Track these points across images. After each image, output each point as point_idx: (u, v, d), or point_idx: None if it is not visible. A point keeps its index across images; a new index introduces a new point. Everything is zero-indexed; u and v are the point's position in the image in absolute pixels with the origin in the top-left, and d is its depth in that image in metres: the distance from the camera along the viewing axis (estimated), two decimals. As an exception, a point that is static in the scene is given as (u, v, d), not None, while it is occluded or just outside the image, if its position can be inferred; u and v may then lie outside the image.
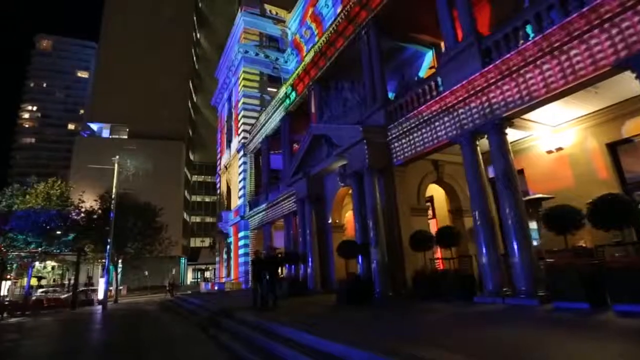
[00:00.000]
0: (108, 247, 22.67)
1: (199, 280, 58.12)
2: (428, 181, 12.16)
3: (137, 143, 53.82)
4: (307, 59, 18.30)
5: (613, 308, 5.73)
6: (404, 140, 10.99)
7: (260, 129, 24.30)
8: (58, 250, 23.98)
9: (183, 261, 59.01)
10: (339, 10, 23.83)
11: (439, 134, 9.71)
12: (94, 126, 59.41)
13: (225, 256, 31.38)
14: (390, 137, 11.31)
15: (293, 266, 15.52)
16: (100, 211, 28.22)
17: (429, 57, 15.58)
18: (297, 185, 15.95)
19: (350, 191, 15.21)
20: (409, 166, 11.62)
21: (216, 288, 25.74)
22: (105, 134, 58.71)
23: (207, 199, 68.59)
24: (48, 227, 21.57)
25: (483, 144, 8.92)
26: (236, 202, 28.75)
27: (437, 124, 9.77)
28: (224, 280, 28.90)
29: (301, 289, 14.19)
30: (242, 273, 25.48)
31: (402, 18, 13.49)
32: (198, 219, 67.30)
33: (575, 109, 9.34)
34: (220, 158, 35.39)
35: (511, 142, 10.34)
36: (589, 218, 6.22)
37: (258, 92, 29.40)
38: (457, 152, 12.10)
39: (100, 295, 27.93)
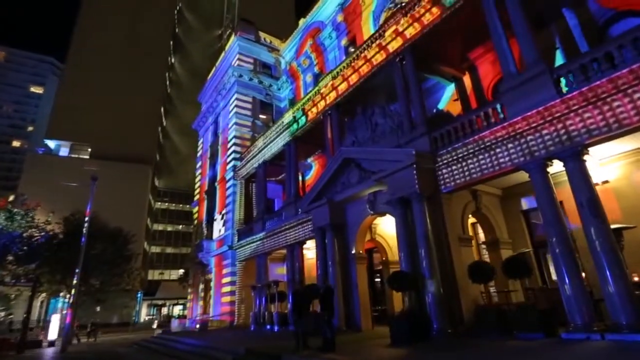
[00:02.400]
0: (75, 277, 19.75)
1: (154, 317, 52.93)
2: (468, 211, 11.84)
3: (100, 164, 49.84)
4: (322, 84, 18.05)
5: None
6: (454, 167, 10.68)
7: (257, 154, 23.26)
8: (13, 280, 20.48)
9: (139, 296, 53.67)
10: (343, 42, 24.40)
11: (501, 160, 9.49)
12: (52, 143, 54.56)
13: (202, 290, 28.70)
14: (439, 163, 10.97)
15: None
16: (61, 236, 24.95)
17: (450, 90, 15.90)
18: (317, 212, 15.00)
19: (375, 220, 14.66)
20: (453, 195, 11.27)
21: (197, 326, 23.12)
22: (64, 152, 53.96)
23: (169, 228, 64.23)
24: (8, 251, 18.40)
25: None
26: (221, 230, 26.84)
27: (498, 150, 9.58)
28: (203, 316, 26.15)
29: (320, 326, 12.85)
30: (227, 309, 23.20)
31: (430, 50, 13.76)
32: (158, 250, 62.38)
33: (622, 144, 9.59)
34: (201, 184, 33.41)
35: (552, 174, 10.42)
36: None
37: (250, 118, 28.57)
38: (494, 184, 12.17)
39: (52, 334, 24.16)
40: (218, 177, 29.00)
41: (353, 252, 14.06)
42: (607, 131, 7.68)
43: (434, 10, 12.28)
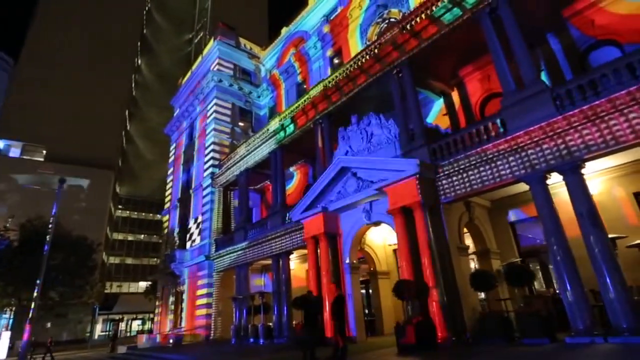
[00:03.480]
0: (37, 289, 18.04)
1: (110, 333, 49.33)
2: (463, 222, 12.22)
3: (57, 168, 46.37)
4: (314, 92, 18.09)
5: None
6: (454, 178, 11.03)
7: (239, 162, 22.74)
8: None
9: (95, 310, 49.89)
10: (328, 52, 24.68)
11: (502, 172, 9.94)
12: (0, 143, 50.12)
13: (172, 303, 27.25)
14: (439, 174, 11.28)
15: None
16: (16, 244, 22.77)
17: (439, 105, 16.51)
18: (310, 220, 14.82)
19: (369, 229, 14.72)
20: (452, 206, 11.61)
21: (170, 341, 21.79)
22: (15, 153, 49.69)
23: (130, 238, 60.75)
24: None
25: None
26: (196, 240, 25.77)
27: (499, 162, 10.03)
28: (175, 330, 24.73)
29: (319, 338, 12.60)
30: (202, 322, 22.15)
31: (424, 64, 14.25)
32: (117, 260, 58.66)
33: (604, 161, 10.39)
34: (173, 191, 32.01)
35: None
36: None
37: (229, 124, 27.97)
38: (485, 196, 12.68)
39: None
40: (193, 184, 27.96)
41: (347, 261, 14.00)
42: (605, 147, 8.30)
43: (432, 26, 12.78)
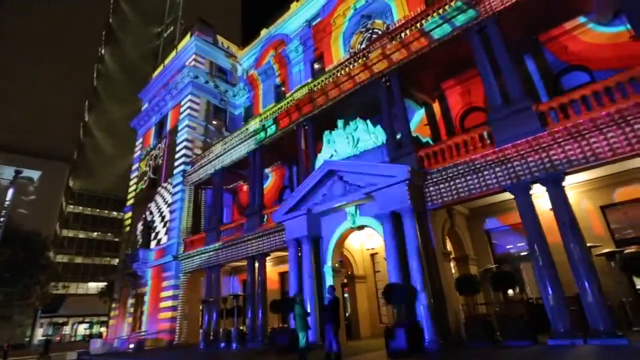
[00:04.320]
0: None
1: (50, 337, 45.48)
2: (446, 228, 12.63)
3: (4, 157, 42.45)
4: (299, 95, 18.05)
5: None
6: (442, 186, 11.40)
7: (214, 160, 22.09)
8: None
9: (37, 312, 45.89)
10: (309, 57, 24.74)
11: (489, 182, 10.42)
12: None
13: (131, 305, 25.68)
14: (427, 181, 11.61)
15: (292, 315, 13.53)
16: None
17: (420, 114, 17.03)
18: (292, 222, 14.64)
19: (352, 233, 14.77)
20: (437, 212, 11.97)
21: (130, 346, 20.40)
22: (-48, 139, 44.86)
23: (81, 235, 56.67)
24: None
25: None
26: (162, 239, 24.58)
27: (485, 172, 10.51)
28: (134, 334, 23.25)
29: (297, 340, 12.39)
30: (166, 326, 21.05)
31: (409, 75, 14.68)
32: (65, 259, 54.37)
33: (576, 176, 11.23)
34: (137, 187, 30.37)
35: (512, 199, 11.74)
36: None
37: (203, 122, 27.14)
38: (465, 204, 13.20)
39: None
40: (162, 181, 26.72)
41: (329, 264, 13.94)
42: (585, 162, 8.96)
43: (422, 40, 13.22)
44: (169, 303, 21.55)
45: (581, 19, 12.85)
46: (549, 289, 8.81)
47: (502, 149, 10.04)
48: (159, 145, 28.99)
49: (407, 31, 13.81)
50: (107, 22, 68.46)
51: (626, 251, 8.76)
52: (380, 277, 17.18)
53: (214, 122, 28.12)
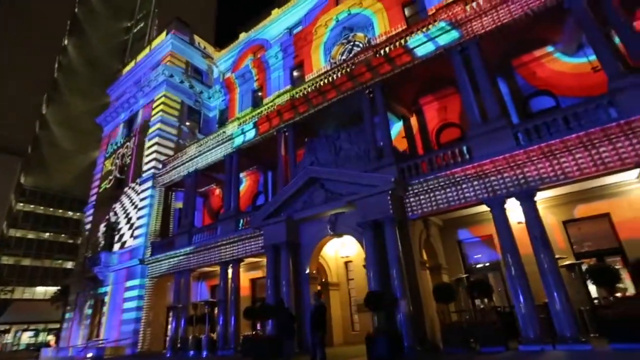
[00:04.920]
0: None
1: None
2: (422, 238, 13.06)
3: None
4: (280, 101, 18.06)
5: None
6: (422, 197, 11.83)
7: (187, 162, 21.54)
8: None
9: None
10: (289, 64, 24.87)
11: (467, 195, 10.96)
12: None
13: (88, 311, 24.16)
14: (408, 192, 12.00)
15: (270, 322, 13.31)
16: None
17: (398, 127, 17.57)
18: (271, 228, 14.53)
19: (330, 240, 14.88)
20: (415, 222, 12.38)
21: (89, 355, 19.10)
22: None
23: (30, 236, 52.59)
24: None
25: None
26: (127, 242, 23.45)
27: (464, 186, 11.05)
28: (92, 342, 21.82)
29: (278, 349, 12.26)
30: (129, 333, 20.00)
31: (391, 88, 15.17)
32: (11, 261, 50.10)
33: (542, 192, 12.08)
34: (100, 187, 28.81)
35: (484, 211, 12.46)
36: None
37: (177, 122, 26.39)
38: (440, 216, 13.75)
39: None
40: (129, 181, 25.58)
41: (307, 272, 13.97)
42: (556, 180, 9.69)
43: (407, 55, 13.77)
44: (133, 309, 20.51)
45: (549, 48, 13.94)
46: (521, 297, 9.37)
47: (480, 164, 10.62)
48: (128, 143, 27.79)
49: (392, 46, 14.28)
50: (72, 12, 65.01)
51: (591, 264, 9.53)
52: (353, 284, 17.39)
53: (188, 123, 27.41)
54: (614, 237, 11.61)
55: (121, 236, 24.14)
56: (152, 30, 54.11)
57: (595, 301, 11.00)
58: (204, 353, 15.42)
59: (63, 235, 53.86)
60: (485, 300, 10.78)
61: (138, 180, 24.49)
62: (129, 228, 23.65)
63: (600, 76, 12.09)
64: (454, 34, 12.70)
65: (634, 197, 11.24)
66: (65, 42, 63.49)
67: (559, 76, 13.96)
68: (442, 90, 16.02)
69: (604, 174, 9.38)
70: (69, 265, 51.80)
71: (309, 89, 16.64)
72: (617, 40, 11.11)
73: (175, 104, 26.71)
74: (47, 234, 52.81)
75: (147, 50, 31.60)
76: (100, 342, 21.20)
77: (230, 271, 17.12)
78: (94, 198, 28.91)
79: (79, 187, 51.56)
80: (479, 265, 14.06)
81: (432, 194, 11.60)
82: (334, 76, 15.84)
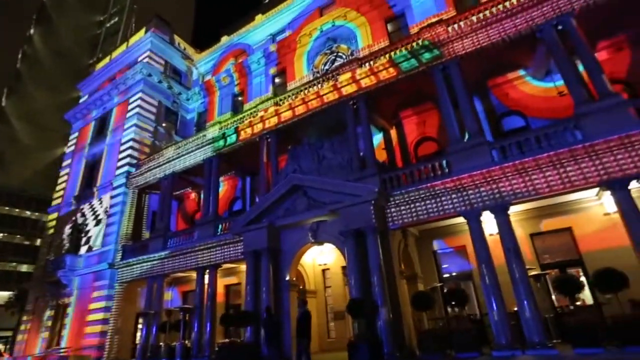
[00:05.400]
0: None
1: None
2: (401, 248, 13.50)
3: None
4: (263, 107, 18.14)
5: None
6: (403, 208, 12.28)
7: (164, 164, 21.07)
8: None
9: None
10: (271, 70, 25.03)
11: (446, 207, 11.50)
12: None
13: (49, 318, 22.85)
14: (390, 202, 12.41)
15: (249, 329, 13.17)
16: None
17: (378, 139, 18.07)
18: (251, 234, 14.49)
19: (311, 248, 15.03)
20: (395, 232, 12.81)
21: (49, 364, 18.05)
22: None
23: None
24: None
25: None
26: (95, 245, 22.48)
27: (444, 198, 11.60)
28: (48, 351, 20.61)
29: (257, 356, 12.23)
30: (95, 341, 19.10)
31: (374, 101, 15.67)
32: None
33: (514, 206, 12.87)
34: (68, 186, 27.45)
35: (458, 223, 13.16)
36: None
37: (153, 122, 25.75)
38: (417, 226, 14.26)
39: None
40: (100, 182, 24.59)
41: (287, 278, 14.03)
42: (527, 195, 10.40)
43: (391, 70, 14.31)
44: (100, 316, 19.63)
45: (521, 72, 14.95)
46: (494, 305, 9.93)
47: (459, 178, 11.21)
48: (100, 142, 26.74)
49: (377, 60, 14.80)
50: (41, 0, 61.89)
51: (555, 274, 10.27)
52: (330, 292, 17.60)
53: (164, 124, 26.82)
54: (575, 249, 12.53)
55: (89, 239, 23.11)
56: (129, 27, 52.50)
57: (558, 309, 11.85)
58: (177, 361, 15.04)
59: (19, 236, 50.55)
60: (457, 308, 11.31)
61: (110, 181, 23.61)
62: (99, 230, 22.69)
63: (565, 100, 13.15)
64: (437, 53, 13.37)
65: (593, 213, 12.22)
66: (32, 31, 60.28)
67: (528, 98, 14.97)
68: (421, 105, 16.70)
69: (570, 191, 10.19)
70: (24, 268, 48.68)
71: (294, 97, 16.86)
72: (581, 67, 12.10)
73: (152, 103, 26.09)
74: (1, 234, 49.37)
75: (123, 47, 30.73)
76: (63, 350, 20.11)
77: (207, 277, 16.85)
78: (58, 198, 27.50)
79: (39, 185, 48.80)
80: (452, 275, 14.65)
81: (412, 205, 12.07)
82: (319, 86, 16.17)
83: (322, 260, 17.74)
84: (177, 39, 30.67)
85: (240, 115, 19.10)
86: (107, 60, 31.89)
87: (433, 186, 11.64)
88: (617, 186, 9.66)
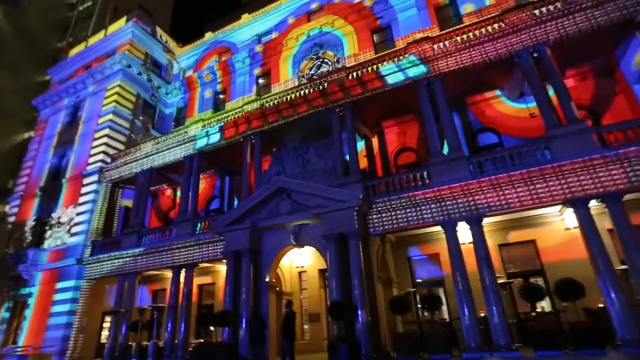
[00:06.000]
0: None
1: None
2: (379, 253, 14.00)
3: None
4: (249, 107, 18.22)
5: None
6: (384, 215, 12.79)
7: (142, 159, 20.59)
8: None
9: None
10: (256, 71, 25.03)
11: (425, 216, 12.11)
12: None
13: (5, 315, 21.60)
14: (372, 209, 12.88)
15: (227, 329, 13.13)
16: None
17: (360, 146, 18.58)
18: (233, 235, 14.52)
19: (291, 250, 15.22)
20: (375, 238, 13.31)
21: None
22: None
23: None
24: None
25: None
26: (61, 239, 21.54)
27: (423, 208, 12.20)
28: (6, 349, 19.49)
29: (233, 356, 12.29)
30: (57, 340, 18.32)
31: (359, 109, 16.15)
32: None
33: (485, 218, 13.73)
34: (31, 175, 26.05)
35: (433, 231, 13.91)
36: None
37: (130, 115, 25.04)
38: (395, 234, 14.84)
39: None
40: (69, 173, 23.60)
41: (267, 279, 14.17)
42: (500, 208, 11.18)
43: (378, 81, 14.84)
44: (64, 313, 18.84)
45: (497, 92, 15.94)
46: (466, 310, 10.60)
47: (439, 189, 11.85)
48: (71, 132, 25.64)
49: (365, 70, 15.33)
50: (8, -23, 58.08)
51: (523, 283, 11.09)
52: (305, 294, 17.87)
53: (141, 118, 26.13)
54: (537, 260, 13.55)
55: (54, 232, 22.11)
56: (106, 14, 50.56)
57: (521, 316, 12.76)
58: (149, 360, 14.76)
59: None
60: (429, 312, 11.94)
61: (82, 173, 22.73)
62: (67, 224, 21.77)
63: (535, 121, 14.20)
64: (422, 68, 14.04)
65: (555, 227, 13.27)
66: (-5, 9, 56.35)
67: (502, 117, 15.98)
68: (403, 116, 17.38)
69: (538, 206, 11.08)
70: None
71: (281, 100, 17.07)
72: (551, 92, 13.09)
73: (130, 96, 25.38)
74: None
75: (101, 35, 29.66)
76: (20, 349, 19.12)
77: (183, 276, 16.65)
78: (21, 188, 26.08)
79: (5, 174, 45.76)
80: (424, 280, 15.33)
81: (393, 213, 12.61)
82: (307, 90, 16.46)
83: (299, 262, 17.98)
84: (159, 31, 30.01)
85: (225, 114, 19.06)
86: (82, 47, 30.63)
87: (414, 195, 12.23)
88: (579, 204, 10.61)
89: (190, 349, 15.00)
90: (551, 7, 12.70)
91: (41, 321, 19.62)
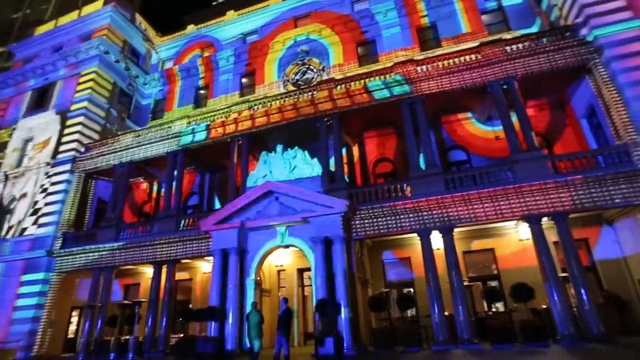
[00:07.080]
0: None
1: None
2: (358, 256, 15.22)
3: None
4: (236, 108, 18.73)
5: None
6: (366, 221, 14.00)
7: (122, 151, 20.36)
8: None
9: None
10: (240, 70, 25.33)
11: (404, 224, 13.47)
12: None
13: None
14: (356, 215, 14.05)
15: (215, 324, 13.66)
16: None
17: (342, 153, 19.71)
18: (221, 233, 15.07)
19: (276, 250, 16.02)
20: (357, 242, 14.51)
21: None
22: None
23: None
24: None
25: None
26: (27, 229, 20.72)
27: (402, 217, 13.55)
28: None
29: (221, 349, 12.95)
30: (22, 334, 17.77)
31: (344, 119, 17.25)
32: None
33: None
34: (-8, 160, 24.55)
35: (406, 237, 15.41)
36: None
37: (106, 103, 24.39)
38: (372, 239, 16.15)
39: None
40: (38, 159, 22.61)
41: (252, 277, 14.91)
42: (469, 220, 12.78)
43: (365, 95, 16.02)
44: (31, 307, 18.28)
45: (469, 114, 17.71)
46: (436, 308, 12.08)
47: (418, 201, 13.26)
48: (38, 114, 24.47)
49: (354, 84, 16.46)
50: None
51: (483, 286, 12.78)
52: (283, 292, 18.72)
53: (117, 107, 25.51)
54: (495, 266, 15.44)
55: (19, 222, 21.21)
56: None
57: (479, 314, 14.56)
58: (130, 356, 14.89)
59: None
60: (401, 310, 13.36)
61: (50, 161, 21.94)
62: (33, 213, 20.99)
63: (499, 143, 16.09)
64: (406, 88, 15.39)
65: (511, 238, 15.20)
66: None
67: (471, 137, 17.78)
68: (383, 129, 18.72)
69: (501, 220, 12.81)
70: None
71: (270, 105, 17.76)
72: (514, 118, 14.90)
73: (106, 83, 24.70)
74: None
75: (74, 15, 28.33)
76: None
77: (164, 271, 16.90)
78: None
79: None
80: (396, 282, 16.77)
81: (375, 220, 13.86)
82: (297, 97, 17.30)
83: (278, 261, 18.75)
84: (139, 18, 29.22)
85: (212, 113, 19.40)
86: (51, 25, 29.06)
87: (395, 205, 13.55)
88: (534, 220, 12.43)
89: (172, 343, 15.43)
90: (520, 46, 14.54)
91: (3, 315, 18.84)
